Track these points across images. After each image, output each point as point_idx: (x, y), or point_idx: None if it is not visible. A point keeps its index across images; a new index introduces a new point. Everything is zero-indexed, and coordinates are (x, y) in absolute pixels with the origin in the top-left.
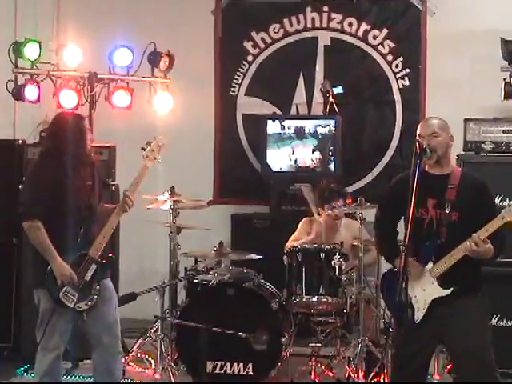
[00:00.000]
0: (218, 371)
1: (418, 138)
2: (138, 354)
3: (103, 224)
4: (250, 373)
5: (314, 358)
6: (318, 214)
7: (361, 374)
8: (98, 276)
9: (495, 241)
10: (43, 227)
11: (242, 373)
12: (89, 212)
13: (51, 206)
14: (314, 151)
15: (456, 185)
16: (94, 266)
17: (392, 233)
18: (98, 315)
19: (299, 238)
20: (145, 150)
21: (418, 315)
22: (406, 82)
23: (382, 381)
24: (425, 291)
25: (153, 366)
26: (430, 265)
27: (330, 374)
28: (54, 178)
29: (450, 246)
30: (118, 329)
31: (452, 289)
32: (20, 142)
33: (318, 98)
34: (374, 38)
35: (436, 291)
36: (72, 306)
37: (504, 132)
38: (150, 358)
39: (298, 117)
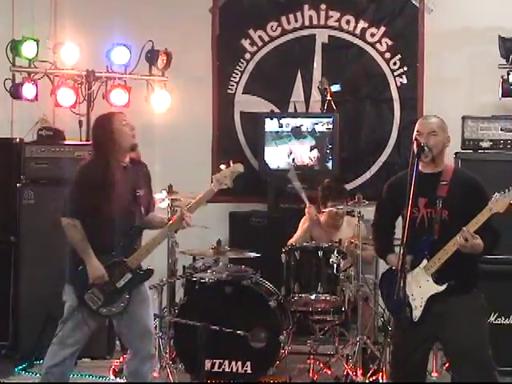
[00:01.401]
0: (216, 369)
1: (416, 134)
2: None
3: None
4: (249, 371)
5: (312, 356)
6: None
7: (359, 372)
8: (131, 286)
9: (487, 235)
10: (81, 227)
11: (240, 371)
12: (133, 219)
13: (93, 209)
14: (311, 149)
15: (448, 181)
16: (129, 275)
17: (389, 231)
18: (134, 319)
19: (299, 240)
20: (218, 172)
21: (416, 313)
22: (404, 80)
23: (380, 379)
24: (421, 289)
25: None
26: (425, 262)
27: (329, 371)
28: (97, 182)
29: (444, 242)
30: (152, 332)
31: (447, 284)
32: (18, 140)
33: (315, 95)
34: (372, 35)
35: (432, 288)
36: (95, 308)
37: (502, 129)
38: None
39: (296, 115)
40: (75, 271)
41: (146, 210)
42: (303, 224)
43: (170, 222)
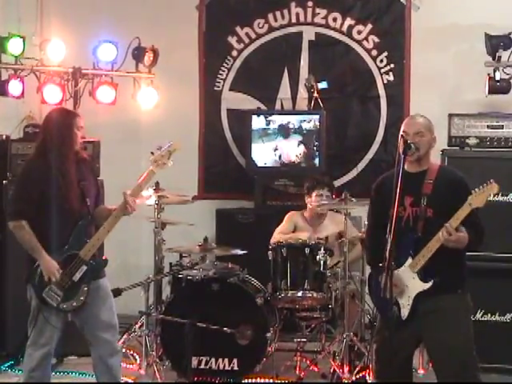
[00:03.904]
0: (203, 366)
1: (402, 134)
2: (123, 350)
3: (99, 225)
4: (235, 368)
5: (298, 353)
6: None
7: (346, 369)
8: (88, 277)
9: (471, 231)
10: (28, 226)
11: (227, 368)
12: (82, 212)
13: (41, 205)
14: (298, 146)
15: (433, 179)
16: (84, 268)
17: (382, 238)
18: (94, 314)
19: (285, 231)
20: (153, 154)
21: (404, 312)
22: (391, 77)
23: (366, 376)
24: (408, 287)
25: (137, 362)
26: (410, 260)
27: (315, 368)
28: (43, 176)
29: (427, 240)
30: (116, 327)
31: (432, 282)
32: (4, 137)
33: (302, 93)
34: (359, 32)
35: (418, 285)
36: (55, 305)
37: (488, 127)
38: (134, 354)
39: (283, 112)
40: (31, 270)
41: (94, 202)
42: (289, 219)
43: (115, 210)
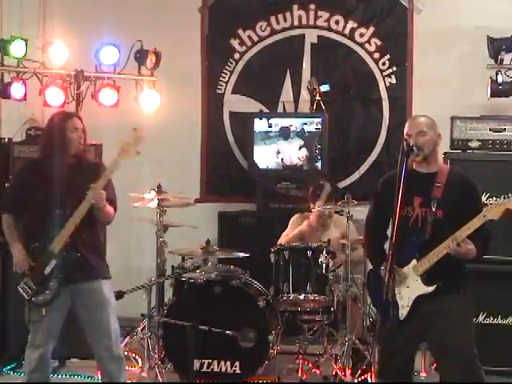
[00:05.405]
0: (205, 369)
1: (405, 136)
2: (125, 353)
3: None
4: (237, 371)
5: (301, 356)
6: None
7: (348, 372)
8: (58, 271)
9: (480, 240)
10: (13, 221)
11: (229, 371)
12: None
13: (29, 206)
14: (300, 149)
15: (443, 183)
16: (53, 262)
17: (381, 237)
18: (90, 317)
19: (293, 238)
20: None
21: (403, 312)
22: (393, 80)
23: (368, 378)
24: (409, 288)
25: (140, 365)
26: (414, 262)
27: (317, 371)
28: (34, 179)
29: (434, 243)
30: (116, 332)
31: (435, 286)
32: (6, 139)
33: (304, 95)
34: (361, 35)
35: (420, 288)
36: (28, 298)
37: (490, 130)
38: (136, 357)
39: (285, 115)
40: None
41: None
42: (294, 222)
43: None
